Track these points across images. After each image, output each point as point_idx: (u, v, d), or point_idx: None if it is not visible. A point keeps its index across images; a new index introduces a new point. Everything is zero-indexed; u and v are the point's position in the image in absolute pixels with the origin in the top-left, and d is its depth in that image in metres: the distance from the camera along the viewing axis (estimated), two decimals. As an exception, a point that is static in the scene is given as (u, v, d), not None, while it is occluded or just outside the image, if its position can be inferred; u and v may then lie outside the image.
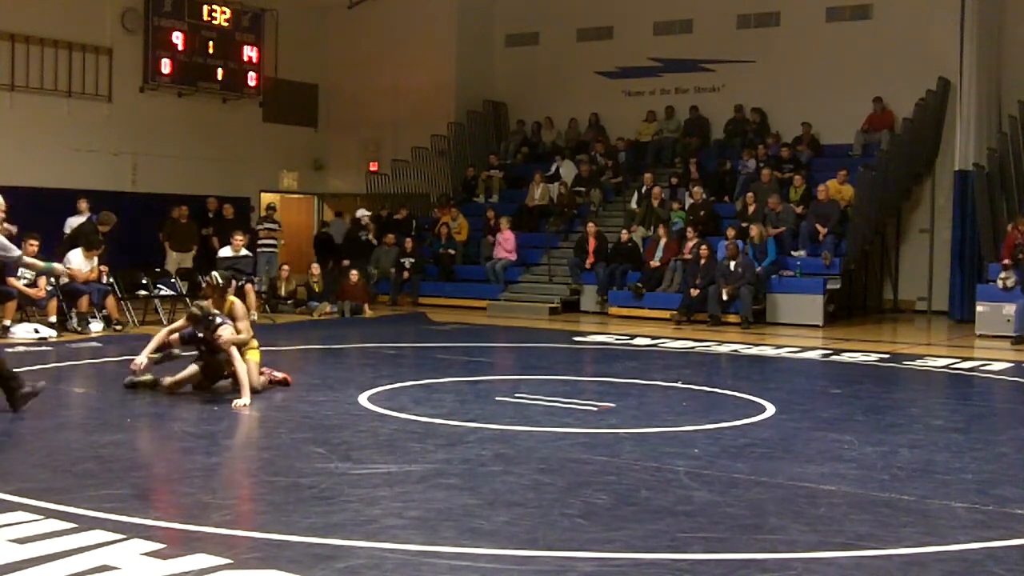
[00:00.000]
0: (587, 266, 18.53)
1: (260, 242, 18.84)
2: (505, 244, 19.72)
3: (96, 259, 14.29)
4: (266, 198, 21.98)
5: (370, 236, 20.25)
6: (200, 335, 8.90)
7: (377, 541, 4.91)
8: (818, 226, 17.49)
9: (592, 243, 18.58)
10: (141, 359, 8.87)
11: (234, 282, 15.40)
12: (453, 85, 23.36)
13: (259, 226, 19.26)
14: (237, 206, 20.30)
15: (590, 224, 18.86)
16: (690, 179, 19.80)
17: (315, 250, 20.91)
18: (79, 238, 14.56)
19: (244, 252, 16.36)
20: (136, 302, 15.48)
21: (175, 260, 17.91)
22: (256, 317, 15.62)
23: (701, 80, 21.79)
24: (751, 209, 18.20)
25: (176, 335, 9.19)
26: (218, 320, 8.87)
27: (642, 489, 6.04)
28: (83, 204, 16.56)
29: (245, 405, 8.41)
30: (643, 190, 19.78)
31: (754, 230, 17.23)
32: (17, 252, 8.77)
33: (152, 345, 9.02)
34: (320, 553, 4.74)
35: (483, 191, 22.35)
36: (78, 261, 14.05)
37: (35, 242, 13.64)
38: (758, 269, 16.77)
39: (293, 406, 8.60)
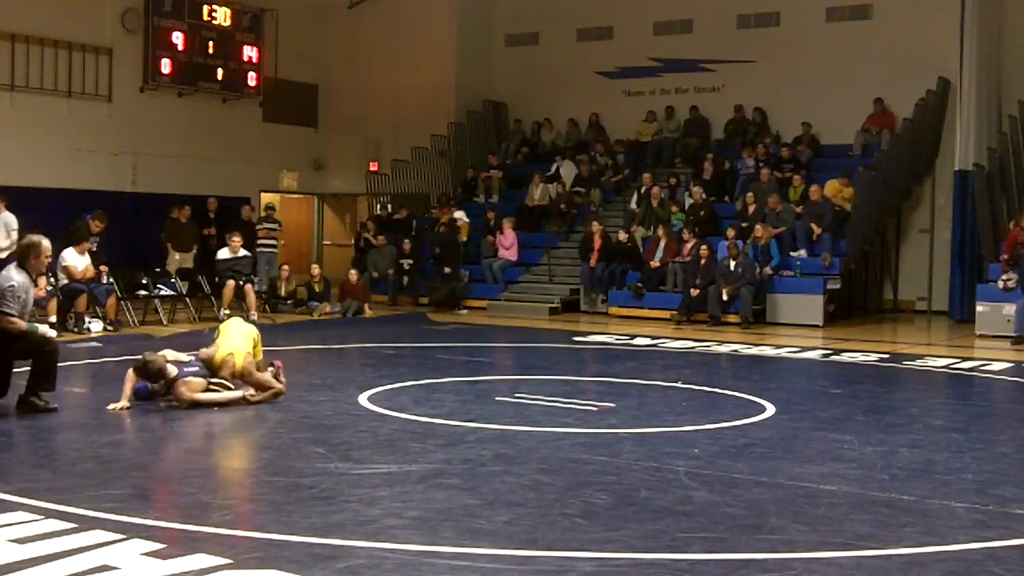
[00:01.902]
0: (591, 265, 18.49)
1: (259, 242, 18.79)
2: (504, 243, 19.71)
3: (87, 255, 14.29)
4: (266, 198, 21.99)
5: (461, 237, 20.03)
6: (155, 387, 8.39)
7: (377, 541, 4.91)
8: (812, 225, 17.48)
9: (598, 242, 18.51)
10: (123, 403, 8.19)
11: (233, 282, 15.59)
12: (453, 85, 23.35)
13: (259, 226, 19.22)
14: (234, 206, 20.31)
15: (595, 223, 18.80)
16: (701, 177, 19.70)
17: (356, 250, 20.81)
18: (71, 236, 14.58)
19: (242, 252, 16.40)
20: (136, 302, 15.48)
21: (176, 261, 17.90)
22: (256, 317, 15.65)
23: (701, 80, 21.79)
24: (751, 209, 18.19)
25: (130, 385, 8.37)
26: (172, 374, 8.27)
27: (642, 489, 6.04)
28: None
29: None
30: (642, 190, 19.78)
31: (759, 230, 17.21)
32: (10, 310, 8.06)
33: (128, 389, 8.29)
34: (320, 553, 4.74)
35: (483, 191, 22.35)
36: (72, 259, 14.05)
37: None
38: (759, 272, 16.76)
39: (293, 406, 8.60)
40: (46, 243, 8.35)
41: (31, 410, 7.94)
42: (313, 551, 4.76)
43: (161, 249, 18.18)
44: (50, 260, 8.67)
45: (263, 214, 19.81)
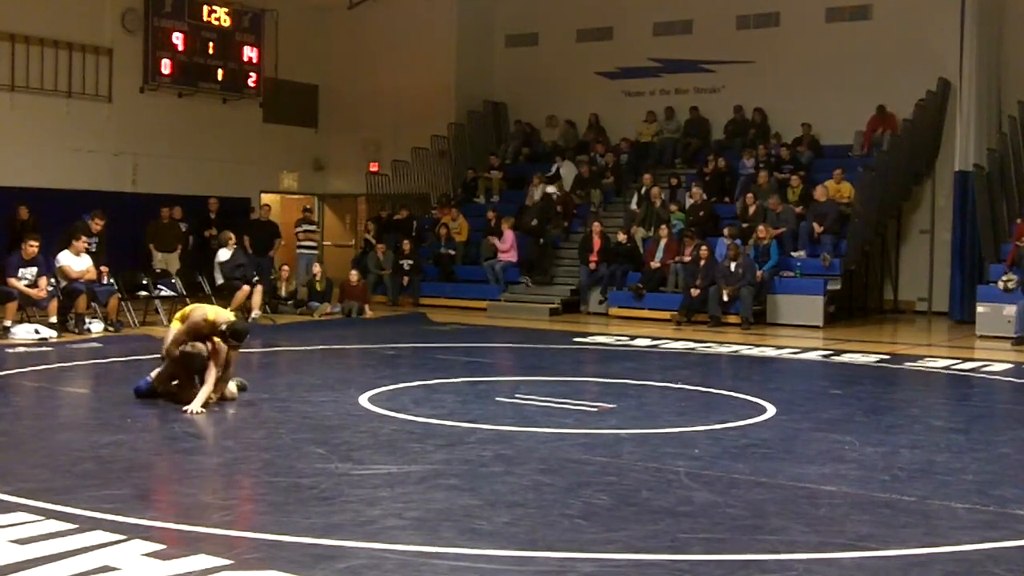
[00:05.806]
0: (591, 266, 18.48)
1: (299, 244, 19.28)
2: (504, 244, 19.70)
3: (88, 256, 14.27)
4: (266, 198, 21.98)
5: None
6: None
7: (377, 541, 4.91)
8: (814, 224, 17.47)
9: (598, 243, 18.50)
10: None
11: (248, 286, 15.63)
12: (453, 85, 23.34)
13: (297, 228, 19.44)
14: (235, 206, 20.30)
15: (595, 224, 18.80)
16: (709, 175, 19.71)
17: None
18: (67, 237, 14.59)
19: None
20: (136, 302, 15.47)
21: (160, 261, 17.92)
22: (258, 317, 15.66)
23: (701, 81, 21.78)
24: (751, 210, 18.18)
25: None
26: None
27: (642, 490, 6.03)
28: None
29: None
30: (643, 191, 19.77)
31: (762, 231, 17.20)
32: None
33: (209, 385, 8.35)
34: (320, 553, 4.73)
35: (483, 192, 22.34)
36: (67, 260, 14.04)
37: (35, 243, 13.64)
38: (759, 272, 16.74)
39: (293, 406, 8.60)
40: None
41: None
42: (313, 551, 4.76)
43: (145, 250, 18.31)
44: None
45: (301, 216, 20.01)
